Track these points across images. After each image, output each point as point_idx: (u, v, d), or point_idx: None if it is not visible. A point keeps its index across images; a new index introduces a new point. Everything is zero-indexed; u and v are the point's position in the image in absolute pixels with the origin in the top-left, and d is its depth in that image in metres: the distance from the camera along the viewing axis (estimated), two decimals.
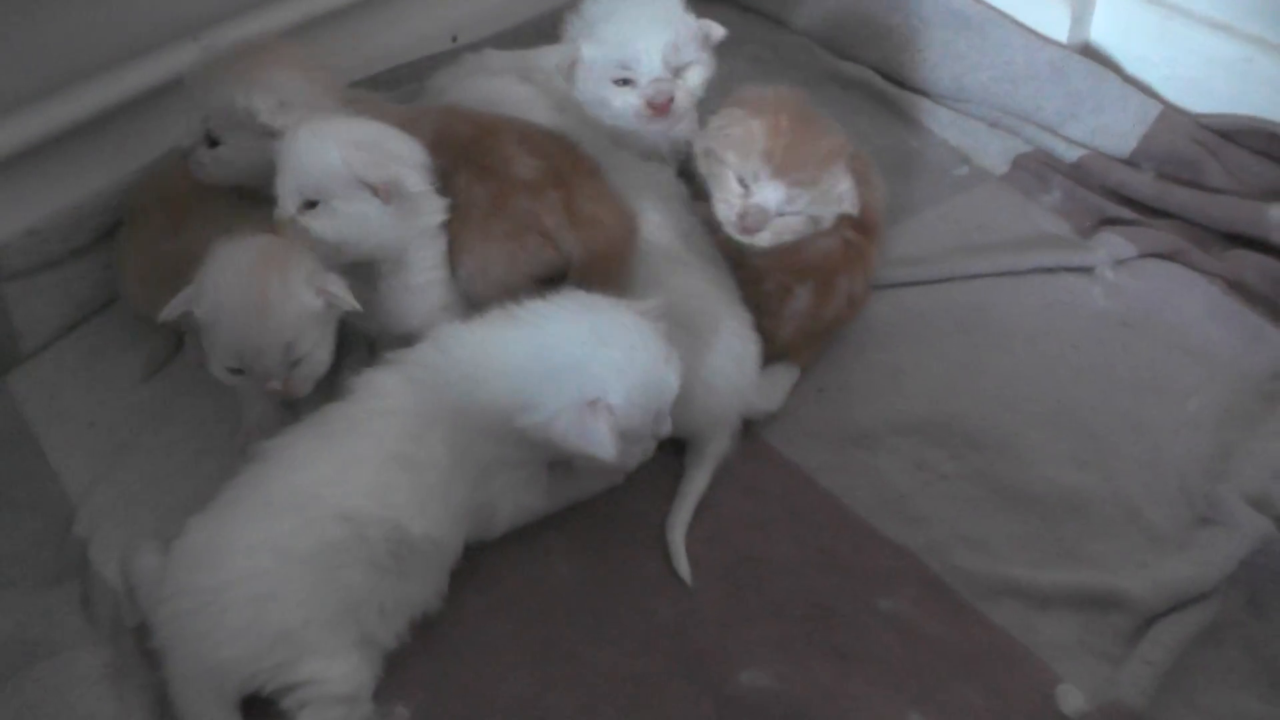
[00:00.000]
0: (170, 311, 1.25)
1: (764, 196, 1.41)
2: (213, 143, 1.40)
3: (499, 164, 1.39)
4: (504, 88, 1.56)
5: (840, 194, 1.44)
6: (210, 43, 1.45)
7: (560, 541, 1.29)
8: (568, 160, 1.42)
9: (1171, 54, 1.87)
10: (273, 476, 1.18)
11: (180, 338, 1.50)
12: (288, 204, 1.29)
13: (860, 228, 1.51)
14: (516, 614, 1.23)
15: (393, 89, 1.77)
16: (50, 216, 1.47)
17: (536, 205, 1.37)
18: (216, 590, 1.10)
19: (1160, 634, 1.24)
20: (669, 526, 1.31)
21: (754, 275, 1.46)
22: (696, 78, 1.52)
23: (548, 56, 1.66)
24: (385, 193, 1.28)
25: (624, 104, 1.50)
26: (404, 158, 1.32)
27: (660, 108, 1.48)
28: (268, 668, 1.10)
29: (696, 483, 1.35)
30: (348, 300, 1.29)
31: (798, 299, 1.46)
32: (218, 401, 1.42)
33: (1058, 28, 1.92)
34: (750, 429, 1.43)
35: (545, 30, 1.95)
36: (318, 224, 1.29)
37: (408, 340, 1.32)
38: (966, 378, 1.52)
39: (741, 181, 1.43)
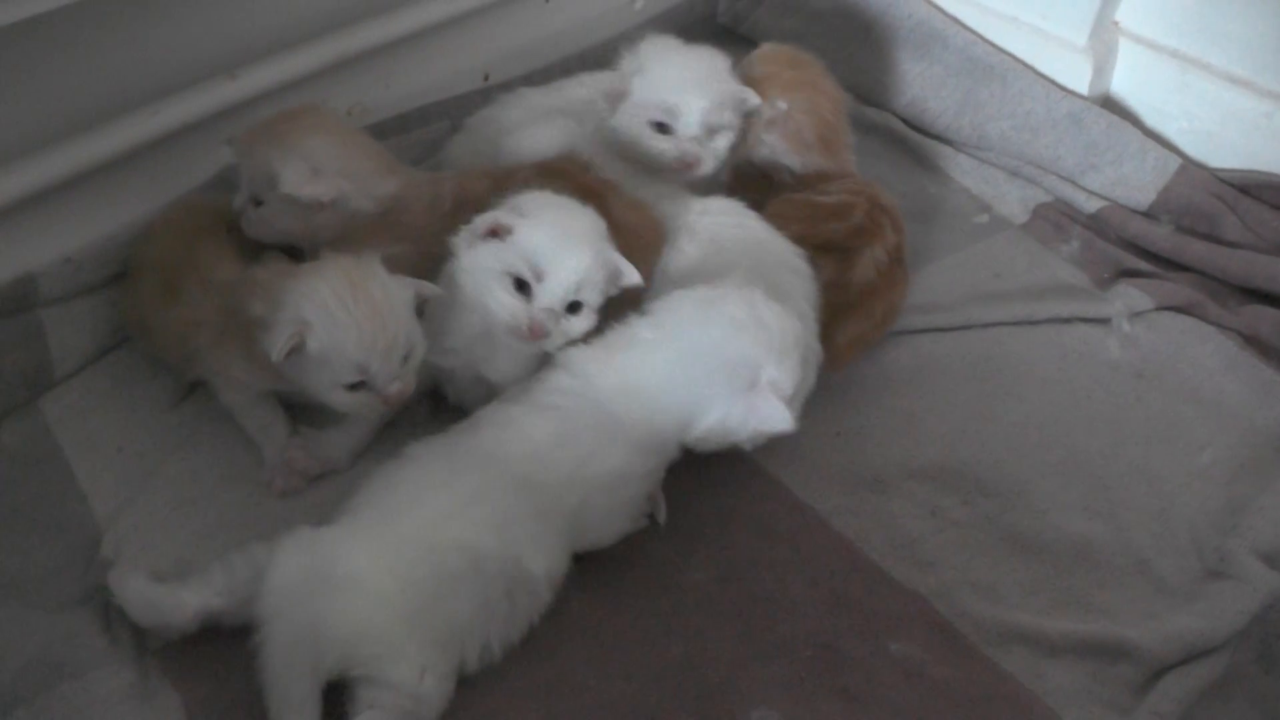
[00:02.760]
0: (279, 354, 1.26)
1: None
2: (258, 202, 1.44)
3: None
4: (559, 136, 1.59)
5: None
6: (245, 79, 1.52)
7: (573, 578, 1.30)
8: (589, 179, 1.47)
9: (1190, 107, 1.90)
10: (398, 506, 1.21)
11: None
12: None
13: (880, 209, 1.59)
14: (529, 647, 1.25)
15: (423, 127, 1.80)
16: (86, 245, 1.50)
17: None
18: (344, 580, 1.14)
19: (1169, 686, 1.25)
20: None
21: None
22: (724, 142, 1.59)
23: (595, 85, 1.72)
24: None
25: (658, 149, 1.55)
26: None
27: (689, 165, 1.54)
28: (365, 657, 1.13)
29: None
30: (430, 287, 1.34)
31: (825, 270, 1.51)
32: (242, 429, 1.45)
33: (1079, 79, 1.95)
34: (765, 470, 1.45)
35: (574, 71, 1.99)
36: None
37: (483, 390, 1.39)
38: (980, 424, 1.54)
39: None
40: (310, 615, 1.13)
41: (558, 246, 1.30)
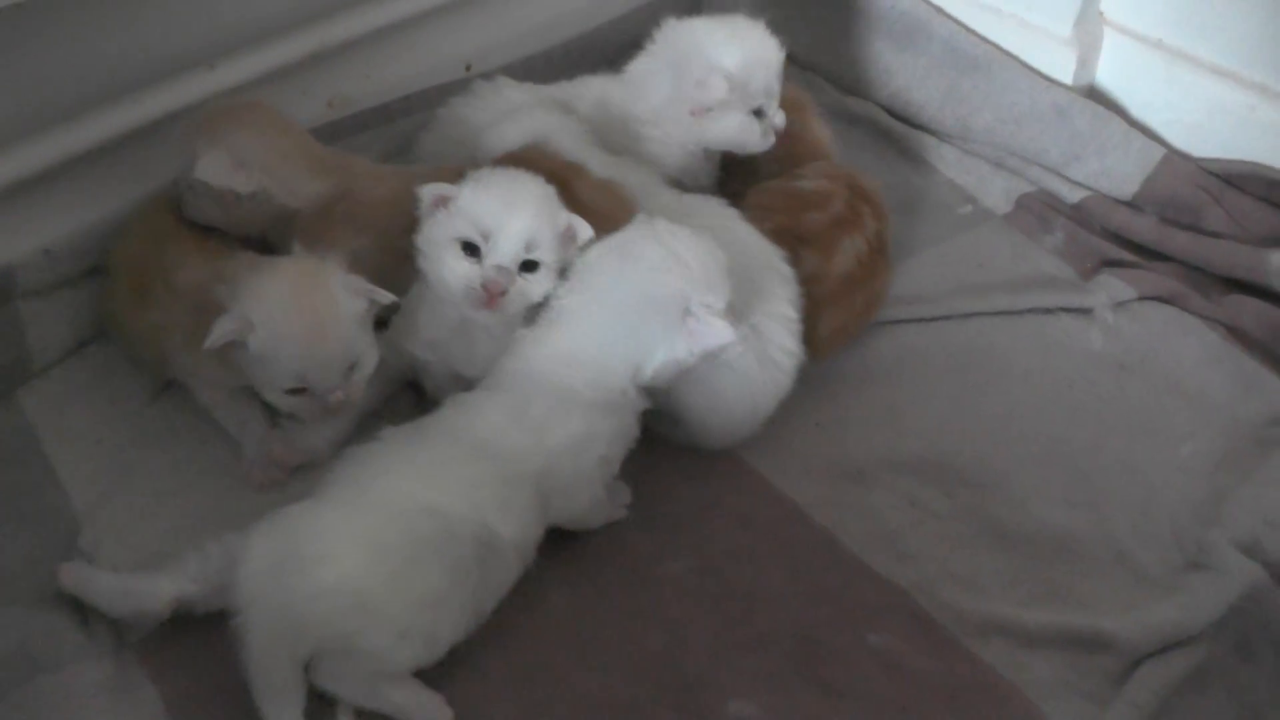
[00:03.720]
0: (212, 344, 1.27)
1: None
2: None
3: None
4: (537, 130, 1.57)
5: None
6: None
7: (552, 569, 1.30)
8: (553, 163, 1.45)
9: (1175, 99, 1.89)
10: (366, 478, 1.22)
11: None
12: (507, 258, 1.30)
13: (860, 196, 1.60)
14: (507, 639, 1.25)
15: (405, 118, 1.79)
16: (65, 237, 1.49)
17: None
18: (317, 555, 1.14)
19: (1146, 676, 1.25)
20: None
21: None
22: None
23: (587, 89, 1.71)
24: None
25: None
26: None
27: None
28: (343, 630, 1.14)
29: None
30: (384, 295, 1.34)
31: (805, 263, 1.51)
32: (222, 427, 1.45)
33: (1063, 70, 1.94)
34: (744, 462, 1.45)
35: (556, 61, 1.98)
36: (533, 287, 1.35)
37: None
38: (962, 416, 1.54)
39: None
40: (286, 594, 1.13)
41: (500, 204, 1.31)
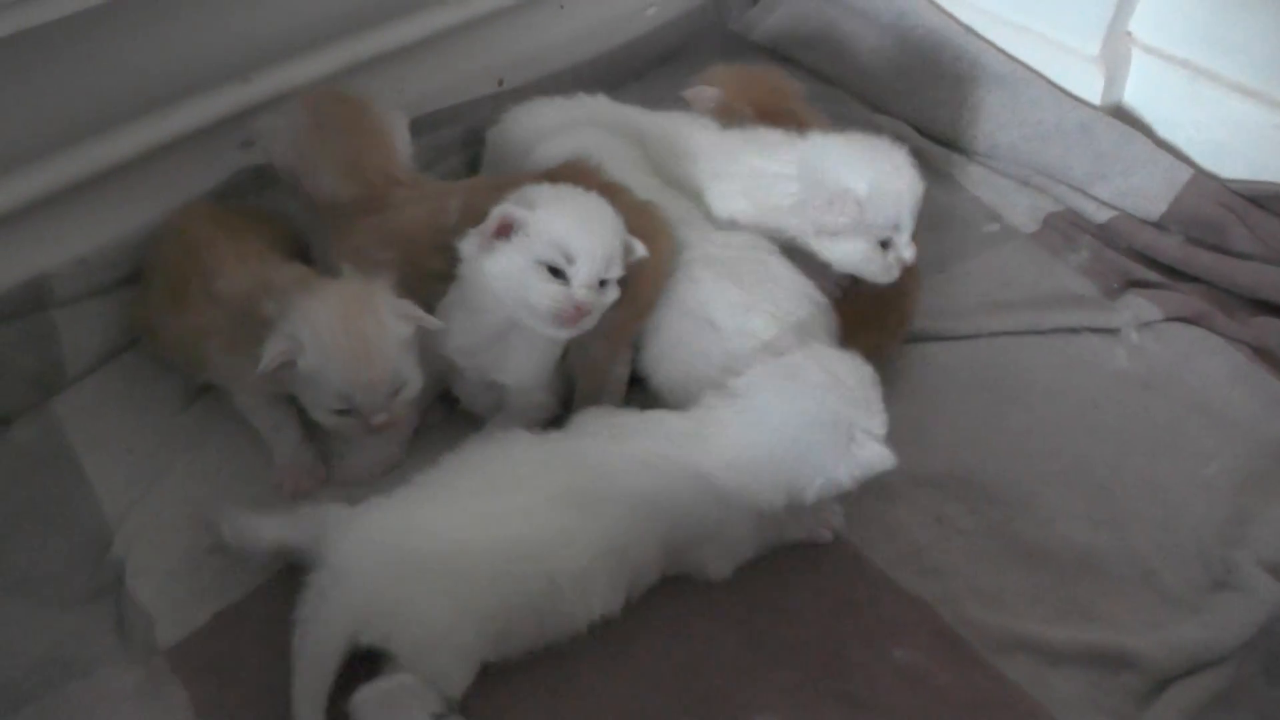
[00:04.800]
0: (266, 366, 1.28)
1: None
2: None
3: None
4: (593, 147, 1.57)
5: None
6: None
7: None
8: (592, 181, 1.46)
9: (1201, 118, 1.89)
10: (495, 517, 1.22)
11: None
12: (592, 278, 1.34)
13: None
14: (535, 649, 1.24)
15: (434, 131, 1.81)
16: (99, 247, 1.51)
17: None
18: (423, 564, 1.18)
19: (1173, 697, 1.25)
20: None
21: None
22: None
23: (658, 122, 1.69)
24: None
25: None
26: None
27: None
28: (408, 638, 1.15)
29: None
30: (432, 321, 1.36)
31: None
32: (251, 430, 1.46)
33: (1091, 89, 1.95)
34: None
35: (585, 76, 1.99)
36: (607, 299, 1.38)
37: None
38: (988, 433, 1.54)
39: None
40: (378, 582, 1.16)
41: (581, 227, 1.34)
